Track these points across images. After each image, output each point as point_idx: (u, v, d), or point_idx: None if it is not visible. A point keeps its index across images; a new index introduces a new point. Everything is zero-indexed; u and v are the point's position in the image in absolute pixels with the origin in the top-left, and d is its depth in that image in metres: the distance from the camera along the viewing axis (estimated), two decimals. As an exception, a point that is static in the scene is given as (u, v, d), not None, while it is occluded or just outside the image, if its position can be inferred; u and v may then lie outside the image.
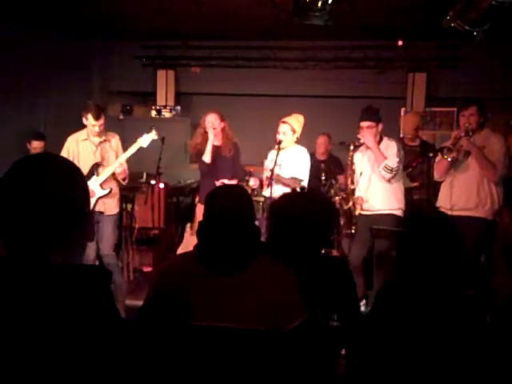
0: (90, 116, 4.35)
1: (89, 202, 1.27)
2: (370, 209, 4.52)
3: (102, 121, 4.39)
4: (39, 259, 1.12)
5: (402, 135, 6.09)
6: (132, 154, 4.43)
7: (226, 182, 4.51)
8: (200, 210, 4.73)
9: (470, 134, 4.02)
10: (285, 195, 2.58)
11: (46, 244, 1.14)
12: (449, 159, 4.07)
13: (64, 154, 4.49)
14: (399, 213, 4.50)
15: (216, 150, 4.71)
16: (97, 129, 4.39)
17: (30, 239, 1.13)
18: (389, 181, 4.42)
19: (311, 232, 2.21)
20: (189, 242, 4.75)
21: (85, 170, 4.40)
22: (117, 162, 4.38)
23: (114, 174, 4.44)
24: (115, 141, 4.54)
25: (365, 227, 4.51)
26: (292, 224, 2.20)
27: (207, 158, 4.65)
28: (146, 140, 4.47)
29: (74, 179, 1.22)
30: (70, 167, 1.23)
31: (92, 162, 4.44)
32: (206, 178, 4.77)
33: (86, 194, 1.25)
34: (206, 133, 4.68)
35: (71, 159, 4.41)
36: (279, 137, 4.54)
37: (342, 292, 2.26)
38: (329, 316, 2.34)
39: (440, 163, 4.23)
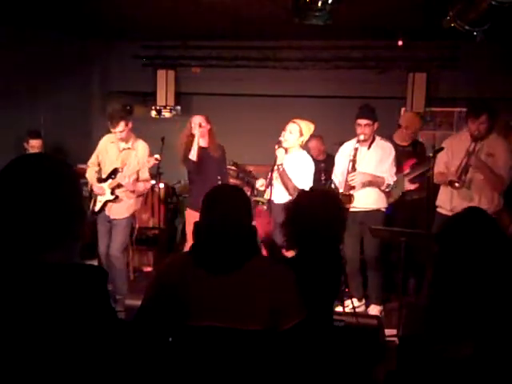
0: (109, 124, 4.50)
1: (82, 203, 1.27)
2: (359, 206, 4.56)
3: (120, 128, 4.47)
4: (33, 258, 1.12)
5: (395, 135, 6.07)
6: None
7: None
8: (190, 216, 4.76)
9: (479, 141, 4.08)
10: (300, 195, 2.60)
11: (41, 243, 1.14)
12: (457, 185, 4.11)
13: (95, 151, 4.73)
14: (384, 209, 4.67)
15: (203, 152, 4.74)
16: (118, 135, 4.51)
17: (24, 238, 1.13)
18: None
19: (326, 227, 2.29)
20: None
21: (108, 171, 4.60)
22: (123, 175, 4.50)
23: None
24: (142, 151, 4.59)
25: (354, 223, 4.55)
26: (307, 220, 2.28)
27: (193, 156, 4.69)
28: (150, 161, 4.58)
29: (68, 180, 1.22)
30: (65, 168, 1.24)
31: (114, 165, 4.57)
32: (195, 181, 4.81)
33: (79, 194, 1.25)
34: (191, 134, 4.72)
35: (100, 158, 4.68)
36: (283, 134, 4.44)
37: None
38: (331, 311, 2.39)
39: (441, 174, 4.27)
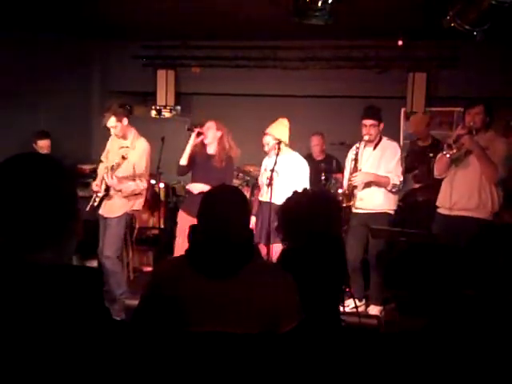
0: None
1: (76, 201, 1.26)
2: (365, 207, 4.54)
3: (111, 123, 4.44)
4: (24, 259, 1.11)
5: (405, 137, 6.13)
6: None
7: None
8: (182, 218, 4.66)
9: (474, 132, 4.00)
10: (292, 196, 2.62)
11: (32, 242, 1.13)
12: (447, 155, 4.05)
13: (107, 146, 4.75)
14: (392, 211, 4.59)
15: (207, 159, 4.64)
16: (111, 131, 4.51)
17: (15, 237, 1.12)
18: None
19: (319, 227, 2.30)
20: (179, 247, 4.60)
21: (109, 165, 4.54)
22: (109, 174, 4.43)
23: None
24: (139, 150, 4.49)
25: (359, 225, 4.55)
26: (302, 222, 2.29)
27: (184, 160, 4.61)
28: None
29: (62, 180, 1.21)
30: (58, 168, 1.23)
31: (113, 160, 4.51)
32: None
33: (73, 193, 1.25)
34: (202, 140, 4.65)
35: (105, 153, 4.70)
36: (265, 148, 4.54)
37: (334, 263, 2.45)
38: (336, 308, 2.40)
39: (440, 160, 4.22)
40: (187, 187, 4.58)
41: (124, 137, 4.52)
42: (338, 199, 3.93)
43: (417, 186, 5.09)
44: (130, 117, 7.34)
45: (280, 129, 4.52)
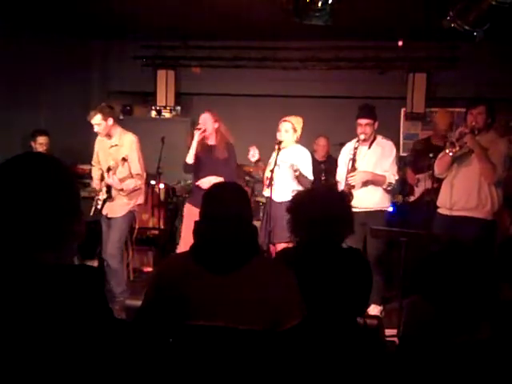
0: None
1: (79, 202, 1.26)
2: (362, 205, 4.54)
3: (96, 120, 4.41)
4: (28, 259, 1.11)
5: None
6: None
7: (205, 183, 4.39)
8: (189, 211, 4.68)
9: (476, 132, 4.02)
10: (305, 192, 2.62)
11: (35, 243, 1.13)
12: (450, 154, 4.06)
13: (95, 150, 4.71)
14: (388, 209, 4.65)
15: (209, 151, 4.63)
16: (95, 128, 4.46)
17: (18, 238, 1.12)
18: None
19: (334, 226, 2.30)
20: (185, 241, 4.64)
21: (103, 167, 4.58)
22: (110, 175, 4.43)
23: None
24: (128, 145, 4.49)
25: (357, 224, 4.52)
26: (316, 219, 2.30)
27: (190, 158, 4.58)
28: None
29: (62, 178, 1.21)
30: (60, 167, 1.23)
31: (107, 162, 4.51)
32: (199, 178, 4.66)
33: (74, 193, 1.25)
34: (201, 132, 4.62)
35: (99, 156, 4.66)
36: (280, 135, 4.50)
37: (361, 284, 2.38)
38: (350, 309, 2.39)
39: (441, 159, 4.23)
40: (197, 183, 4.52)
41: (109, 136, 4.51)
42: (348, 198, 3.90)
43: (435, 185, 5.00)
44: (130, 117, 7.41)
45: (297, 122, 4.59)
